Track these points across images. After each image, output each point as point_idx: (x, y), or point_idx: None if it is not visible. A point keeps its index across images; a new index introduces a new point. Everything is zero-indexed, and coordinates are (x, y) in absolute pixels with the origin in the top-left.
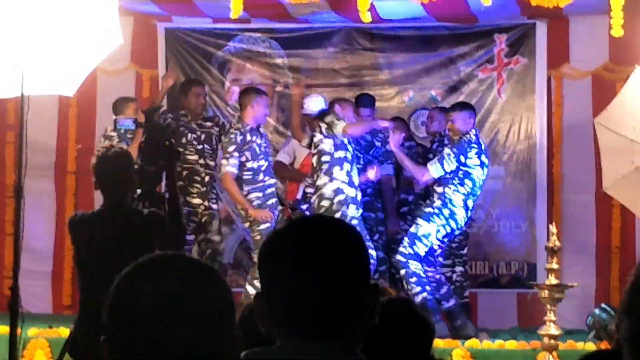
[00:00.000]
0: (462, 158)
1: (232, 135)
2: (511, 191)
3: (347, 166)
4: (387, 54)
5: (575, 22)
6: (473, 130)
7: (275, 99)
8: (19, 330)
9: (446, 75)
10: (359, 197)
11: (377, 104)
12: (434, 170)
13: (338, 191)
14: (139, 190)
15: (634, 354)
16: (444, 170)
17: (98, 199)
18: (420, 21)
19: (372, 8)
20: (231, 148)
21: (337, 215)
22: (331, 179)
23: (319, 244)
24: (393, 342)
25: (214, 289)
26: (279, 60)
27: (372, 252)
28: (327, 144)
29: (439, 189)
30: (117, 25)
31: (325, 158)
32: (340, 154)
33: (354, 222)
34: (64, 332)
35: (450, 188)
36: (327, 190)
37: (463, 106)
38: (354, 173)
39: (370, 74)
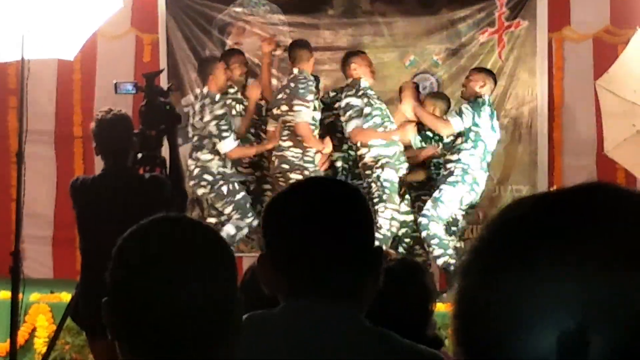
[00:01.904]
0: (475, 117)
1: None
2: (512, 155)
3: (380, 129)
4: (388, 17)
5: None
6: (486, 96)
7: (276, 62)
8: (20, 295)
9: (447, 38)
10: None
11: (377, 67)
12: (456, 123)
13: (378, 156)
14: (140, 155)
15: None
16: (464, 124)
17: (99, 164)
18: None
19: None
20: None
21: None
22: (369, 147)
23: (322, 205)
24: (389, 304)
25: (216, 250)
26: (279, 24)
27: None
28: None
29: (454, 157)
30: None
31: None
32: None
33: (386, 184)
34: (66, 296)
35: (465, 153)
36: (368, 158)
37: (481, 70)
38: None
39: (371, 38)
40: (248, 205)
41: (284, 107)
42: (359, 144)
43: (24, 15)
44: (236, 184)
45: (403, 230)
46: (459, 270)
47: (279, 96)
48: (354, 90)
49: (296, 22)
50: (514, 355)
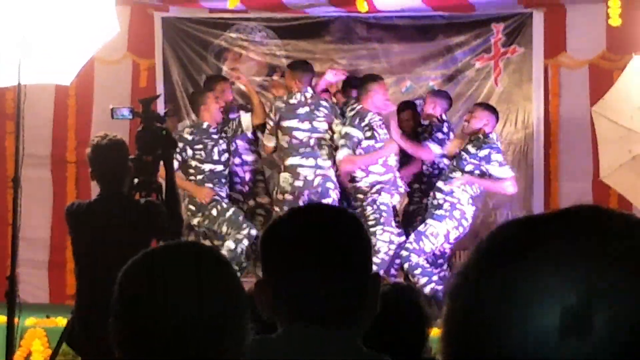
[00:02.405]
0: (475, 155)
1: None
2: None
3: (382, 159)
4: (384, 44)
5: (572, 11)
6: (493, 134)
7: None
8: (16, 319)
9: (443, 64)
10: (398, 181)
11: None
12: (506, 171)
13: (374, 183)
14: (136, 180)
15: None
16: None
17: (95, 189)
18: (417, 11)
19: (369, 1)
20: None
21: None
22: (367, 173)
23: (320, 232)
24: (385, 329)
25: (220, 274)
26: (275, 49)
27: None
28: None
29: (446, 188)
30: (113, 14)
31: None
32: (368, 142)
33: (382, 207)
34: (62, 321)
35: (459, 188)
36: (364, 184)
37: (485, 107)
38: (390, 158)
39: (367, 64)
40: (240, 217)
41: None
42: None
43: (21, 40)
44: (224, 203)
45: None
46: (447, 292)
47: None
48: (358, 120)
49: (293, 47)
50: (514, 341)
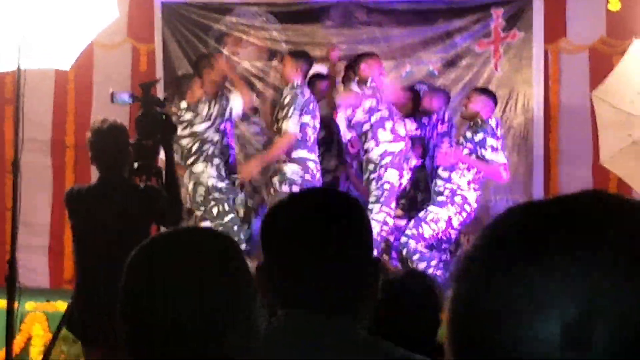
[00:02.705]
0: (474, 140)
1: None
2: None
3: (389, 124)
4: (384, 28)
5: None
6: (494, 120)
7: (273, 72)
8: (16, 304)
9: (443, 49)
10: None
11: None
12: (501, 156)
13: (384, 154)
14: (136, 164)
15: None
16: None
17: (95, 173)
18: None
19: None
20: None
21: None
22: (377, 143)
23: (320, 216)
24: (402, 315)
25: (228, 260)
26: (275, 34)
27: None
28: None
29: (444, 174)
30: None
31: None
32: (377, 115)
33: (386, 186)
34: (62, 306)
35: (457, 173)
36: (375, 154)
37: (482, 91)
38: (398, 126)
39: (367, 48)
40: (236, 227)
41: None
42: (365, 140)
43: (20, 25)
44: (226, 205)
45: (392, 236)
46: (452, 277)
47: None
48: (356, 83)
49: (293, 32)
50: (517, 351)
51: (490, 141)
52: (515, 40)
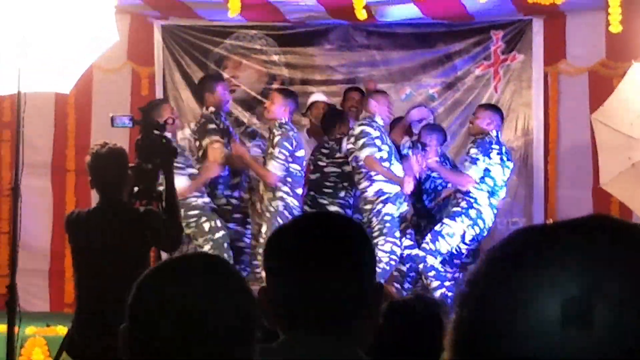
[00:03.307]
0: (485, 156)
1: None
2: (508, 187)
3: (385, 164)
4: (384, 51)
5: (572, 18)
6: (494, 131)
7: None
8: (16, 328)
9: (443, 72)
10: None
11: None
12: (474, 172)
13: (379, 192)
14: (135, 188)
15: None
16: (480, 169)
17: (95, 197)
18: (417, 20)
19: (368, 11)
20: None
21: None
22: (371, 182)
23: (323, 241)
24: (401, 343)
25: (233, 287)
26: (275, 57)
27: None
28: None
29: (463, 188)
30: (112, 22)
31: (361, 141)
32: (377, 155)
33: (386, 218)
34: (62, 330)
35: (473, 187)
36: (370, 193)
37: (488, 106)
38: (395, 167)
39: (367, 71)
40: (225, 245)
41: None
42: (360, 179)
43: (20, 47)
44: (218, 222)
45: (407, 265)
46: (456, 300)
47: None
48: (368, 121)
49: (292, 55)
50: (517, 333)
51: (473, 151)
52: (515, 62)
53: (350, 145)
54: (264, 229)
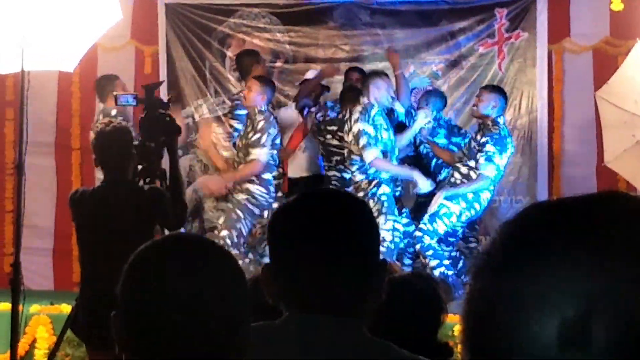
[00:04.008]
0: (503, 155)
1: None
2: (512, 166)
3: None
4: (387, 29)
5: None
6: (502, 118)
7: (276, 73)
8: (20, 307)
9: (446, 50)
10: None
11: None
12: (491, 170)
13: (373, 178)
14: (139, 166)
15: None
16: (497, 166)
17: (99, 176)
18: None
19: None
20: None
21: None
22: (365, 172)
23: (327, 218)
24: (405, 314)
25: (227, 270)
26: (279, 36)
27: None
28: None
29: (463, 169)
30: (116, 0)
31: (362, 141)
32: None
33: (383, 198)
34: (66, 308)
35: (473, 171)
36: (363, 183)
37: (492, 89)
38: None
39: (370, 50)
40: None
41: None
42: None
43: (24, 27)
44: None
45: (406, 241)
46: (470, 272)
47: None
48: (365, 116)
49: (296, 34)
50: (519, 350)
51: (489, 147)
52: (519, 40)
53: (351, 137)
54: (221, 220)
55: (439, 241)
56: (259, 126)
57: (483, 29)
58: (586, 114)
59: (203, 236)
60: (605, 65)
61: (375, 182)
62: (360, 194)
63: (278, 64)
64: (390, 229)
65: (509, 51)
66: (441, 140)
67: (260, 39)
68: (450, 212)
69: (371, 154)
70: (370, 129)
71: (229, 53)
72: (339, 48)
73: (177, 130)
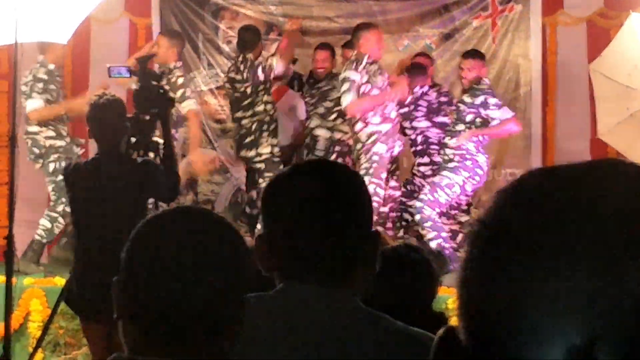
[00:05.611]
0: (475, 105)
1: None
2: (506, 138)
3: (380, 107)
4: (381, 2)
5: None
6: (486, 79)
7: (268, 45)
8: (14, 279)
9: (440, 23)
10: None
11: None
12: (506, 112)
13: (372, 133)
14: (133, 139)
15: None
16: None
17: (93, 148)
18: None
19: None
20: None
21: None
22: (366, 124)
23: (321, 188)
24: (399, 286)
25: (230, 242)
26: (272, 8)
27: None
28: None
29: (452, 142)
30: None
31: (344, 87)
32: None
33: (375, 157)
34: (60, 281)
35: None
36: (363, 135)
37: (472, 55)
38: (389, 109)
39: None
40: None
41: None
42: (355, 122)
43: None
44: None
45: (388, 207)
46: (467, 238)
47: None
48: (354, 64)
49: (289, 6)
50: (512, 317)
51: (492, 100)
52: (512, 13)
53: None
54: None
55: (440, 214)
56: (179, 82)
57: (477, 2)
58: (580, 86)
59: (210, 210)
60: (599, 37)
61: (373, 138)
62: (358, 145)
63: (272, 36)
64: (371, 192)
65: (502, 24)
66: (421, 123)
67: (254, 11)
68: (451, 182)
69: (346, 100)
70: (356, 76)
71: (222, 25)
72: (333, 20)
73: (170, 103)
